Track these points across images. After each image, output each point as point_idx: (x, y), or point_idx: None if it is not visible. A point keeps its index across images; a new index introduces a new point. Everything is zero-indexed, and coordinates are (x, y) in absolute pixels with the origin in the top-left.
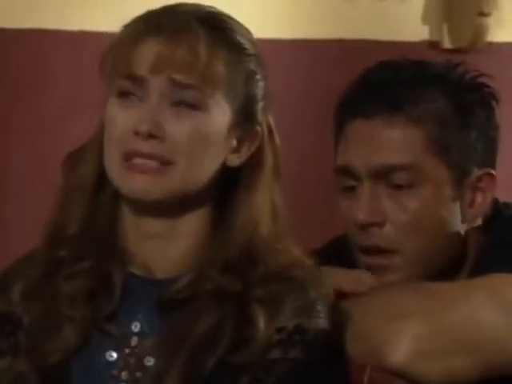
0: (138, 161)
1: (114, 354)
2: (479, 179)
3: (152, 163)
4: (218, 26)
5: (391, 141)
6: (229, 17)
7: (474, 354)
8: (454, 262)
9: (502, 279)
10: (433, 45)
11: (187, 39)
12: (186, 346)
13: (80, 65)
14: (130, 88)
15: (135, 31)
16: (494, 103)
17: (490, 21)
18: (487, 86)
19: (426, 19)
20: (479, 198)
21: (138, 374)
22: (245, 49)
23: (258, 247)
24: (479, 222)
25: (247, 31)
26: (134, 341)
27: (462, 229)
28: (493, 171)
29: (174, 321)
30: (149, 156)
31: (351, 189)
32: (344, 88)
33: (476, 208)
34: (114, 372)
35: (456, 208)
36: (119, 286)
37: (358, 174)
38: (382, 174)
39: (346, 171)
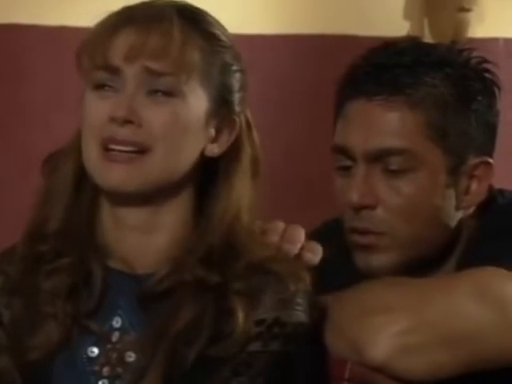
0: (114, 148)
1: (96, 350)
2: (476, 167)
3: (128, 151)
4: (194, 17)
5: (389, 124)
6: (205, 11)
7: (457, 348)
8: (444, 249)
9: (487, 273)
10: None
11: (161, 25)
12: (166, 341)
13: (60, 60)
14: (105, 79)
15: (110, 24)
16: (496, 90)
17: (471, 16)
18: (490, 73)
19: (406, 15)
20: (474, 186)
21: (119, 370)
22: (220, 40)
23: (238, 236)
24: (472, 208)
25: (222, 27)
26: (115, 336)
27: (455, 216)
28: (490, 159)
29: (154, 315)
30: (125, 142)
31: (347, 169)
32: (326, 83)
33: (471, 195)
34: (96, 368)
35: (450, 195)
36: (99, 283)
37: (354, 155)
38: (378, 157)
39: (342, 151)
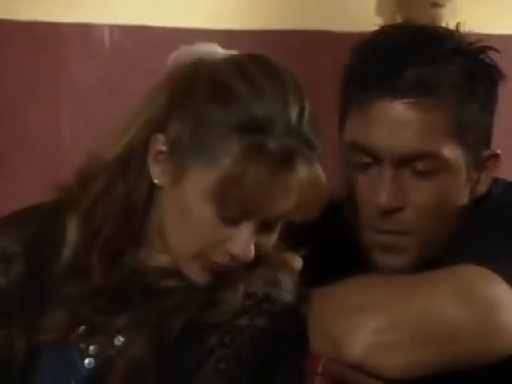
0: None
1: (83, 326)
2: (487, 159)
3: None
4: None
5: (415, 126)
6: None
7: (434, 347)
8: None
9: (470, 272)
10: None
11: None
12: (155, 315)
13: (32, 56)
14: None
15: (266, 167)
16: (498, 79)
17: (444, 12)
18: (494, 64)
19: (379, 10)
20: (483, 177)
21: (107, 350)
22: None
23: None
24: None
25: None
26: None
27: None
28: (499, 151)
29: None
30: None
31: (367, 166)
32: (301, 78)
33: (480, 186)
34: (82, 345)
35: (468, 190)
36: (122, 293)
37: (380, 156)
38: (406, 161)
39: (363, 149)
